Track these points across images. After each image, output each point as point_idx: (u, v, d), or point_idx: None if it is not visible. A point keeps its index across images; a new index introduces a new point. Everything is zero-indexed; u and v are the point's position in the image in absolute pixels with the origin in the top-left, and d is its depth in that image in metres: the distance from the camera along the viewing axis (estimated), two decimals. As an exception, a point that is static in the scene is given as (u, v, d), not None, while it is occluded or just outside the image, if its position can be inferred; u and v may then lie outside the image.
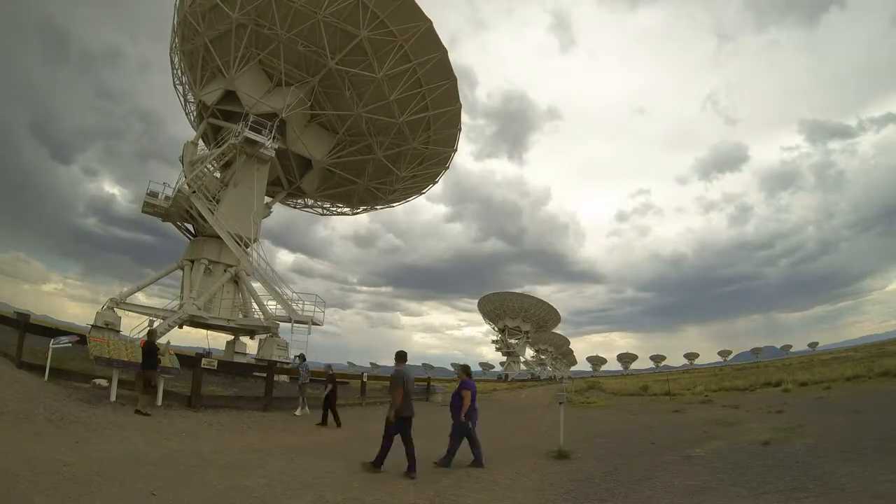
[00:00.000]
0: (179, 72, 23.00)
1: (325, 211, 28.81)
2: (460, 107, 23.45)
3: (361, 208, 28.44)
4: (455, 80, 22.10)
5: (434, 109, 22.41)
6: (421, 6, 19.72)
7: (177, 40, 21.86)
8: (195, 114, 23.47)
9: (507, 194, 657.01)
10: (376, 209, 29.22)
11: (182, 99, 23.87)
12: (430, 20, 19.74)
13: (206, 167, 19.90)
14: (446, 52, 20.84)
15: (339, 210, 28.71)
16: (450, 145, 25.36)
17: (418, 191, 28.25)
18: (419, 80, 21.12)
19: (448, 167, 26.74)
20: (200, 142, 22.36)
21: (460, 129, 24.79)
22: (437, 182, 27.75)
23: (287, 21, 19.08)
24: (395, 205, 29.31)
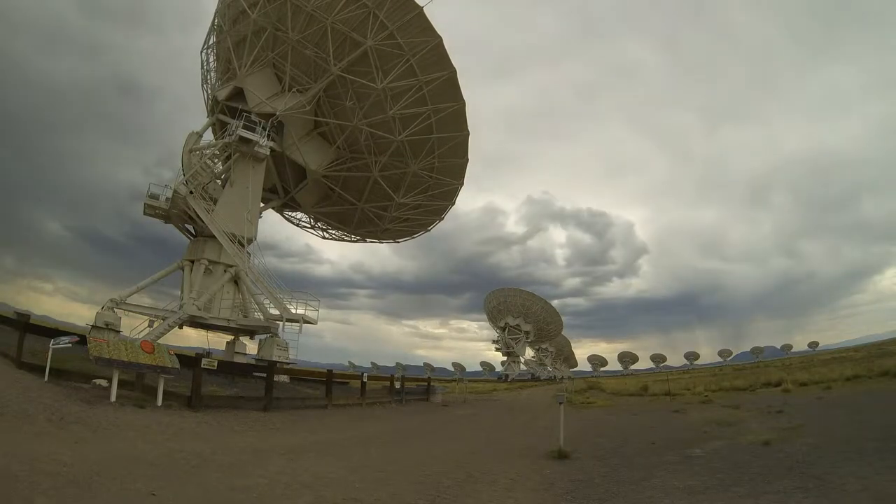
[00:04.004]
0: (206, 70, 23.27)
1: (326, 235, 28.38)
2: (468, 135, 22.53)
3: (360, 236, 27.65)
4: (464, 103, 21.26)
5: (439, 132, 21.77)
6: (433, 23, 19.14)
7: (212, 39, 22.26)
8: (208, 110, 23.52)
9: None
10: (381, 242, 28.62)
11: (206, 99, 23.85)
12: (440, 37, 19.39)
13: (203, 163, 19.89)
14: (455, 71, 20.27)
15: (338, 235, 28.10)
16: (456, 177, 24.26)
17: (424, 226, 27.26)
18: (425, 98, 20.60)
19: (454, 203, 25.58)
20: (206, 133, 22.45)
21: (468, 161, 23.71)
22: (442, 218, 26.69)
23: (299, 24, 19.19)
24: (400, 240, 28.68)
